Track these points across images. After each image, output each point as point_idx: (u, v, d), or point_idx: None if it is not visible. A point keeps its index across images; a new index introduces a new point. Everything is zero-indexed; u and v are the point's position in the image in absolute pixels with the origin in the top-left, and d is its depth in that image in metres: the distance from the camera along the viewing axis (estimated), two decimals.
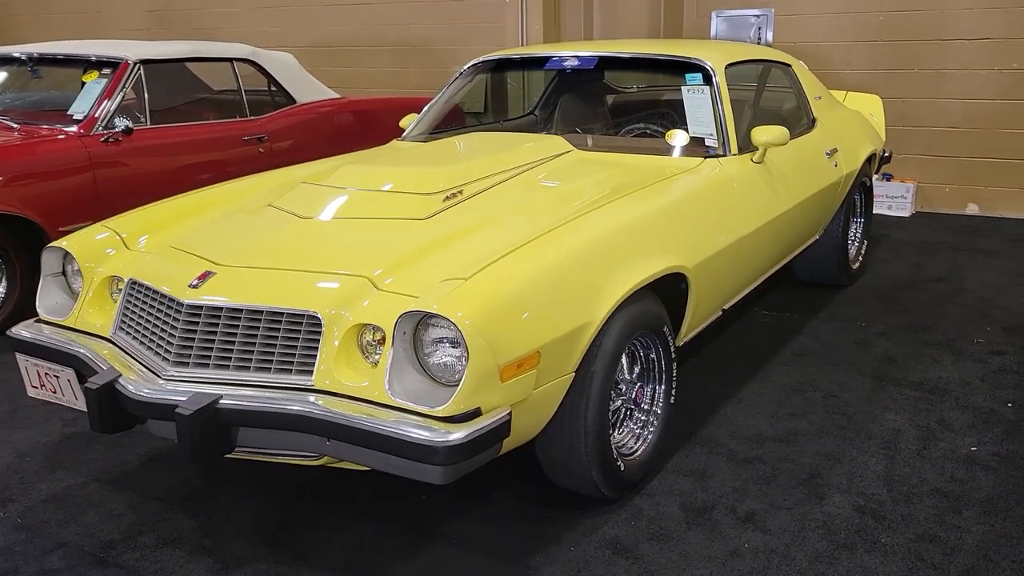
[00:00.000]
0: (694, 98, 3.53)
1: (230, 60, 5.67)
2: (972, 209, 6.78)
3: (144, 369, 2.39)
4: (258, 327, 2.28)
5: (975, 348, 3.90)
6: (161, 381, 2.31)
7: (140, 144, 4.87)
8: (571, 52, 3.90)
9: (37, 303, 2.81)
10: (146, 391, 2.27)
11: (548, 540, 2.49)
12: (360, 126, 6.34)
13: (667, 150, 3.41)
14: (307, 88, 6.15)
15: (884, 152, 5.23)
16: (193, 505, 2.72)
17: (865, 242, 5.07)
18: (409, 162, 3.08)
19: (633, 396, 2.73)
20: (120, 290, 2.69)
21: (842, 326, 4.21)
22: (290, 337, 2.25)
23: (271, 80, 5.96)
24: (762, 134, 3.40)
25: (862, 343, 3.99)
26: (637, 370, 2.78)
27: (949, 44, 6.55)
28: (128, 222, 2.92)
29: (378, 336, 2.22)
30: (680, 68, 3.66)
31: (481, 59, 4.22)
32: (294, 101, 5.99)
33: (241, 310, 2.29)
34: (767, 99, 4.24)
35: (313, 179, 3.05)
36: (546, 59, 3.97)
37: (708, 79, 3.55)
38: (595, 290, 2.40)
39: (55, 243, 2.81)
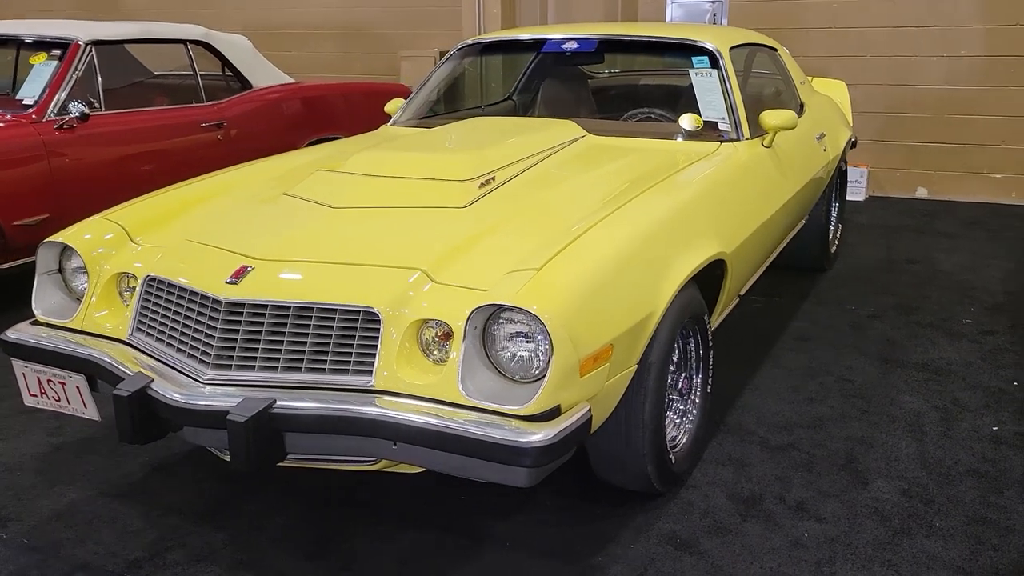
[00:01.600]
0: (703, 82, 3.47)
1: (184, 42, 5.36)
2: (921, 193, 6.97)
3: (176, 373, 2.20)
4: (308, 325, 2.12)
5: (966, 328, 3.98)
6: (202, 386, 2.13)
7: (96, 131, 4.56)
8: (569, 35, 3.80)
9: (33, 304, 2.57)
10: (188, 397, 2.09)
11: (605, 538, 2.41)
12: (321, 112, 6.11)
13: (681, 135, 3.35)
14: (262, 72, 5.89)
15: (852, 138, 5.31)
16: (217, 517, 2.54)
17: (840, 226, 5.14)
18: (428, 148, 2.93)
19: (678, 386, 2.66)
20: (132, 288, 2.48)
21: (834, 309, 4.25)
22: (345, 335, 2.10)
23: (225, 64, 5.67)
24: (772, 118, 3.37)
25: (857, 326, 4.02)
26: (675, 359, 2.72)
27: (900, 31, 6.70)
28: (128, 215, 2.70)
29: (440, 332, 2.08)
30: (682, 51, 3.61)
31: (471, 41, 4.08)
32: (250, 86, 5.72)
33: (288, 307, 2.13)
34: (758, 84, 4.22)
35: (329, 166, 2.88)
36: (540, 41, 3.86)
37: (715, 62, 3.50)
38: (657, 279, 2.32)
39: (52, 238, 2.57)
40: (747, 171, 3.15)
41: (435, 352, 2.09)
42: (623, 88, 4.61)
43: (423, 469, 2.24)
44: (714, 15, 7.28)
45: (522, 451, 1.87)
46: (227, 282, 2.18)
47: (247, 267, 2.21)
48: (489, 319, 2.02)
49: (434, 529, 2.46)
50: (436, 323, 2.08)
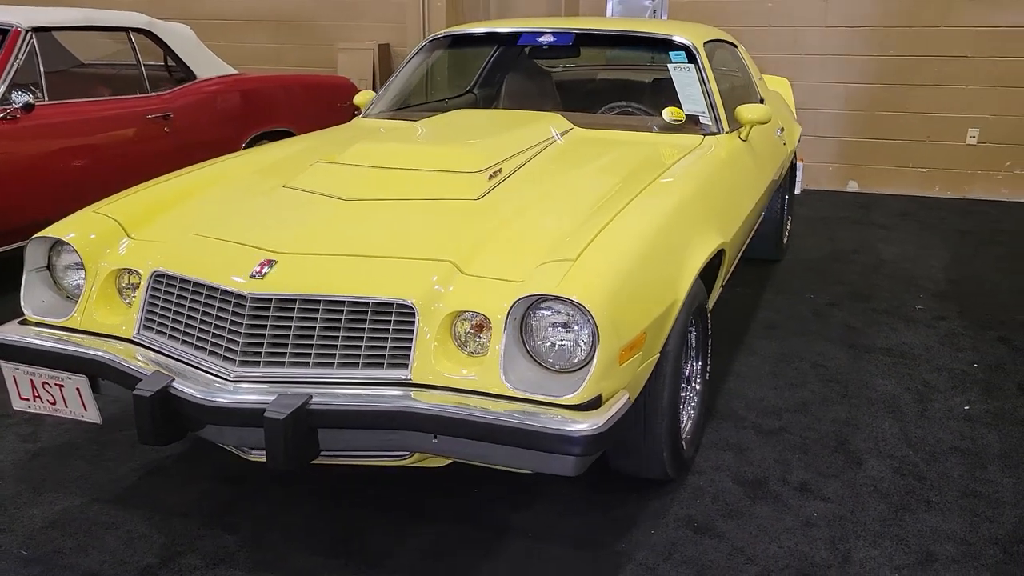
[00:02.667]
0: (682, 76, 3.54)
1: (126, 30, 5.15)
2: (852, 186, 7.26)
3: (196, 371, 2.12)
4: (339, 319, 2.08)
5: (919, 315, 4.17)
6: (229, 383, 2.06)
7: (42, 122, 4.35)
8: (545, 28, 3.82)
9: (23, 302, 2.44)
10: (218, 395, 2.02)
11: (625, 525, 2.44)
12: (267, 105, 5.97)
13: (664, 128, 3.40)
14: (206, 63, 5.70)
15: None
16: (224, 519, 2.47)
17: (790, 217, 5.31)
18: (427, 140, 2.91)
19: (686, 374, 2.72)
20: (133, 285, 2.39)
21: (793, 298, 4.39)
22: (378, 328, 2.07)
23: (169, 53, 5.48)
24: (749, 112, 3.46)
25: (819, 314, 4.17)
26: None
27: (832, 30, 6.95)
28: (120, 208, 2.58)
29: (473, 324, 2.08)
30: (659, 46, 3.68)
31: (441, 34, 4.05)
32: (194, 77, 5.54)
33: (318, 301, 2.08)
34: (723, 79, 4.32)
35: (327, 158, 2.82)
36: (513, 35, 3.87)
37: (691, 57, 3.57)
38: (678, 268, 2.37)
39: (43, 233, 2.45)
40: (732, 163, 3.23)
41: (470, 344, 2.08)
42: (586, 82, 4.65)
43: (449, 462, 2.23)
44: (654, 11, 7.41)
45: (575, 440, 1.88)
46: (251, 276, 2.11)
47: (271, 261, 2.15)
48: (528, 310, 2.02)
49: (453, 523, 2.45)
50: (472, 315, 2.07)
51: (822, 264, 5.01)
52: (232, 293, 2.12)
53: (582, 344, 2.00)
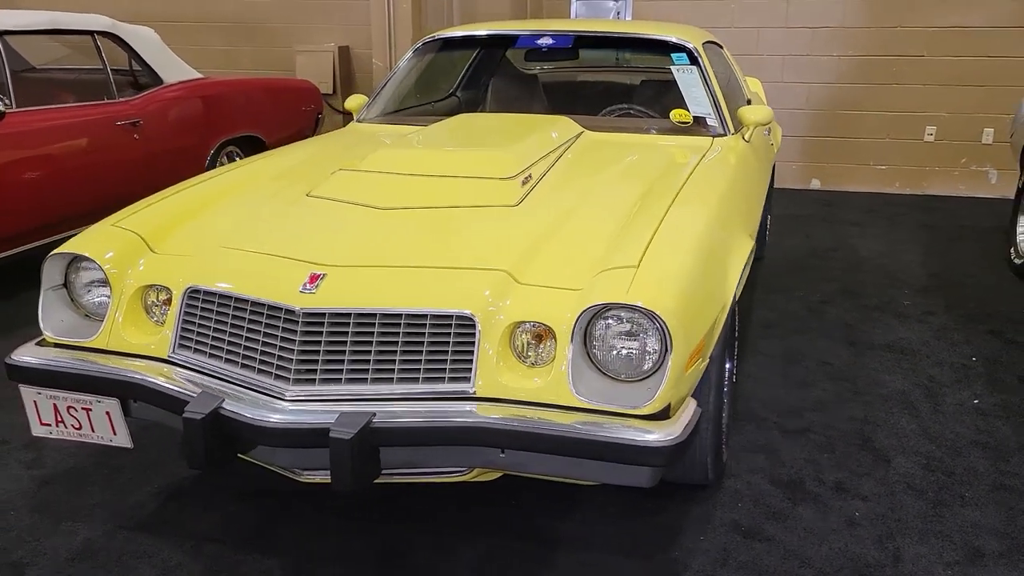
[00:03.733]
0: (685, 78, 3.54)
1: (92, 33, 4.95)
2: (815, 184, 7.40)
3: (245, 391, 2.03)
4: (397, 332, 2.01)
5: (909, 310, 4.25)
6: (284, 403, 1.97)
7: (13, 130, 4.14)
8: (543, 30, 3.78)
9: (41, 323, 2.31)
10: (277, 416, 1.94)
11: (672, 532, 2.42)
12: (237, 109, 5.81)
13: (672, 130, 3.40)
14: (171, 66, 5.52)
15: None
16: (259, 543, 2.37)
17: (769, 216, 5.37)
18: (449, 145, 2.85)
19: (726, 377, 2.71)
20: (162, 302, 2.27)
21: (784, 296, 4.44)
22: (437, 341, 2.01)
23: (134, 57, 5.28)
24: (751, 113, 3.48)
25: (814, 311, 4.22)
26: None
27: (794, 31, 7.07)
28: (139, 222, 2.46)
29: (536, 334, 2.03)
30: (659, 48, 3.67)
31: (436, 35, 3.98)
32: (161, 81, 5.35)
33: (374, 315, 2.01)
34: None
35: (348, 165, 2.73)
36: (509, 37, 3.82)
37: (693, 59, 3.58)
38: (725, 272, 2.36)
39: (62, 249, 2.32)
40: (744, 165, 3.24)
41: (530, 355, 2.04)
42: (571, 85, 4.63)
43: (500, 475, 2.18)
44: (618, 13, 7.43)
45: (658, 451, 1.85)
46: (301, 291, 2.03)
47: (319, 274, 2.06)
48: (593, 319, 1.99)
49: (499, 536, 2.40)
50: (533, 325, 2.02)
51: (804, 261, 5.08)
52: (281, 308, 2.04)
53: (650, 352, 1.97)
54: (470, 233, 2.28)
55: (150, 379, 2.12)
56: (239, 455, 2.10)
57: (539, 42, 3.75)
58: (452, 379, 2.00)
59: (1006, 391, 3.33)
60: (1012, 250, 4.94)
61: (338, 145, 3.31)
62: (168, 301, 2.27)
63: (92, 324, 2.32)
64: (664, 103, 4.07)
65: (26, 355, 2.25)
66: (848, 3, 6.91)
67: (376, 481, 2.04)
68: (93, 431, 2.25)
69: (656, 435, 1.86)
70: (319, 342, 2.01)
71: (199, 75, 5.75)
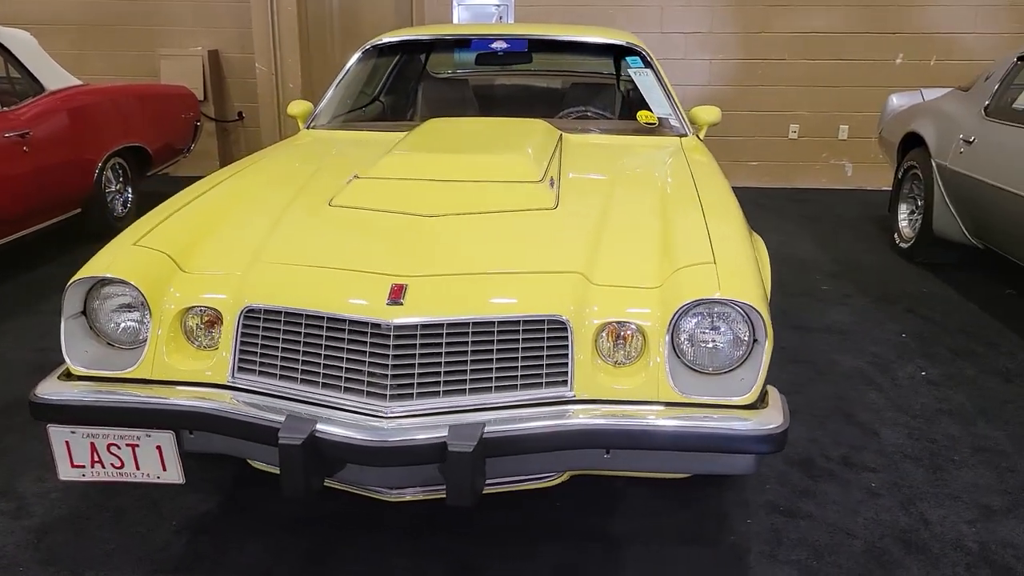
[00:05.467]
0: (643, 81, 3.66)
1: None
2: None
3: (335, 411, 1.93)
4: (491, 340, 1.97)
5: (829, 295, 4.58)
6: (384, 421, 1.89)
7: None
8: (489, 34, 3.79)
9: (66, 355, 2.08)
10: (383, 436, 1.85)
11: (719, 518, 2.51)
12: (123, 118, 5.44)
13: (640, 131, 3.49)
14: (51, 73, 5.09)
15: None
16: (319, 569, 2.25)
17: None
18: (449, 149, 2.81)
19: None
20: (206, 324, 2.11)
21: None
22: (531, 347, 1.98)
23: (11, 62, 4.81)
24: (704, 114, 3.66)
25: None
26: None
27: (668, 37, 7.41)
28: (161, 239, 2.26)
29: (620, 333, 2.05)
30: (609, 51, 3.78)
31: (384, 40, 3.90)
32: (43, 88, 4.91)
33: (467, 323, 1.96)
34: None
35: (363, 173, 2.63)
36: (460, 41, 3.81)
37: (647, 62, 3.70)
38: (758, 263, 2.46)
39: (87, 272, 2.10)
40: (713, 163, 3.38)
41: (616, 354, 2.05)
42: (499, 88, 4.66)
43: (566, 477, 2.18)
44: (500, 17, 7.51)
45: (769, 438, 1.91)
46: (388, 304, 1.95)
47: (403, 285, 1.99)
48: (682, 315, 2.03)
49: (561, 541, 2.39)
50: (620, 324, 2.04)
51: None
52: (367, 323, 1.94)
53: (741, 343, 2.03)
54: (526, 237, 2.27)
55: (217, 407, 1.96)
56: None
57: (494, 46, 3.75)
58: (549, 384, 1.98)
59: (943, 362, 3.66)
60: (896, 235, 5.42)
61: (313, 152, 3.18)
62: (211, 323, 2.11)
63: (121, 353, 2.12)
64: (599, 104, 4.19)
65: (57, 391, 2.03)
66: (716, 11, 7.33)
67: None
68: (138, 468, 2.06)
69: (767, 423, 1.93)
70: (413, 355, 1.93)
71: (79, 82, 5.32)
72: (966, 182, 4.49)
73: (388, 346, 1.93)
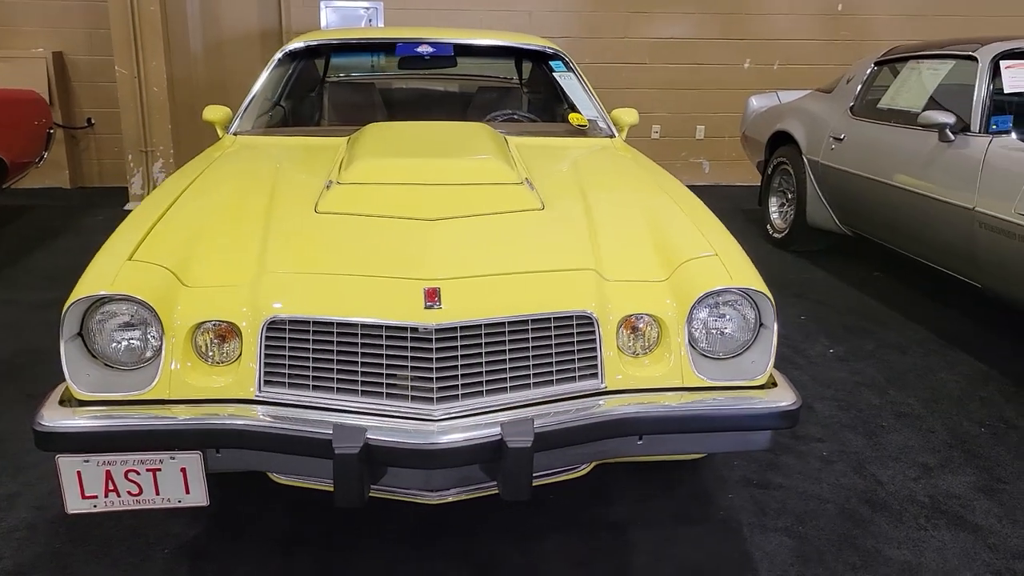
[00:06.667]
0: (568, 84, 3.78)
1: None
2: None
3: (383, 418, 1.91)
4: (526, 338, 2.02)
5: None
6: (434, 424, 1.90)
7: None
8: (413, 37, 3.80)
9: (71, 381, 1.94)
10: (445, 437, 1.86)
11: (703, 497, 2.66)
12: None
13: (574, 132, 3.61)
14: None
15: None
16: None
17: None
18: (427, 152, 2.81)
19: None
20: (217, 339, 2.03)
21: None
22: (563, 343, 2.05)
23: None
24: (625, 115, 3.82)
25: None
26: None
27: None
28: (157, 253, 2.14)
29: (637, 325, 2.15)
30: (529, 56, 3.89)
31: (302, 43, 3.81)
32: None
33: (503, 323, 2.00)
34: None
35: (342, 179, 2.58)
36: (383, 44, 3.80)
37: (568, 66, 3.83)
38: None
39: (86, 292, 1.96)
40: (650, 161, 3.55)
41: (633, 345, 2.15)
42: (410, 93, 4.65)
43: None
44: (370, 20, 7.44)
45: (789, 414, 2.08)
46: (427, 307, 1.95)
47: (436, 288, 2.00)
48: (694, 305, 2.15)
49: (566, 531, 2.46)
50: (636, 317, 2.14)
51: None
52: (406, 328, 1.94)
53: (749, 328, 2.18)
54: (530, 237, 2.33)
55: (256, 423, 1.90)
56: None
57: (419, 50, 3.76)
58: (582, 377, 2.05)
59: (844, 340, 4.01)
60: (769, 227, 5.85)
61: (258, 159, 3.08)
62: (223, 338, 2.03)
63: (127, 374, 2.00)
64: (504, 107, 4.29)
65: (68, 419, 1.89)
66: (582, 16, 7.61)
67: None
68: (157, 494, 1.96)
69: (785, 400, 2.09)
70: (455, 357, 1.95)
71: None
72: (838, 175, 4.92)
73: (431, 349, 1.93)
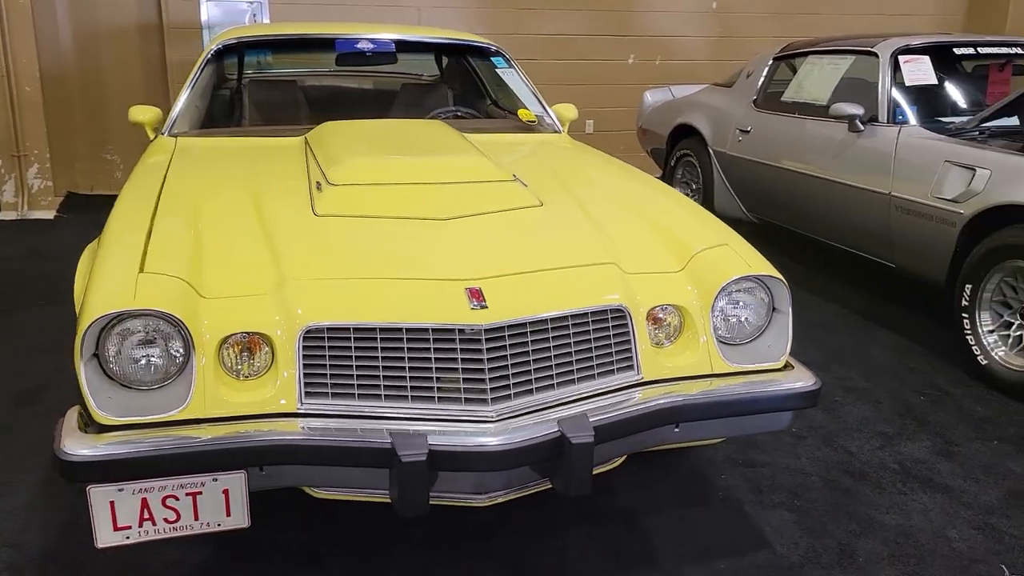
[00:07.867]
0: (511, 80, 3.79)
1: None
2: None
3: (439, 423, 1.87)
4: (568, 334, 2.02)
5: None
6: (492, 425, 1.87)
7: None
8: (359, 35, 3.70)
9: (96, 407, 1.78)
10: (507, 437, 1.84)
11: (698, 481, 2.74)
12: None
13: (524, 128, 3.61)
14: None
15: None
16: None
17: None
18: (406, 151, 2.74)
19: None
20: (244, 351, 1.92)
21: None
22: (600, 337, 2.06)
23: None
24: (566, 111, 3.87)
25: None
26: None
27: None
28: (171, 264, 1.99)
29: (664, 316, 2.19)
30: (466, 52, 3.88)
31: (233, 39, 3.63)
32: None
33: (546, 320, 1.99)
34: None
35: (333, 180, 2.48)
36: (320, 40, 3.68)
37: (508, 62, 3.84)
38: None
39: (104, 310, 1.80)
40: (605, 154, 3.60)
41: (661, 335, 2.20)
42: (334, 90, 4.52)
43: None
44: (254, 16, 7.16)
45: (813, 394, 2.17)
46: (472, 308, 1.92)
47: (478, 288, 1.96)
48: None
49: (585, 526, 2.48)
50: (663, 308, 2.18)
51: None
52: (454, 329, 1.90)
53: (762, 314, 2.26)
54: (545, 233, 2.33)
55: (310, 438, 1.81)
56: None
57: (360, 46, 3.66)
58: (620, 369, 2.08)
59: None
60: None
61: (214, 163, 2.91)
62: (250, 350, 1.93)
63: (148, 395, 1.86)
64: (429, 103, 4.26)
65: (97, 446, 1.74)
66: (471, 12, 7.61)
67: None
68: (196, 519, 1.83)
69: (807, 381, 2.18)
70: (505, 357, 1.93)
71: None
72: (745, 165, 5.16)
73: (481, 350, 1.91)
